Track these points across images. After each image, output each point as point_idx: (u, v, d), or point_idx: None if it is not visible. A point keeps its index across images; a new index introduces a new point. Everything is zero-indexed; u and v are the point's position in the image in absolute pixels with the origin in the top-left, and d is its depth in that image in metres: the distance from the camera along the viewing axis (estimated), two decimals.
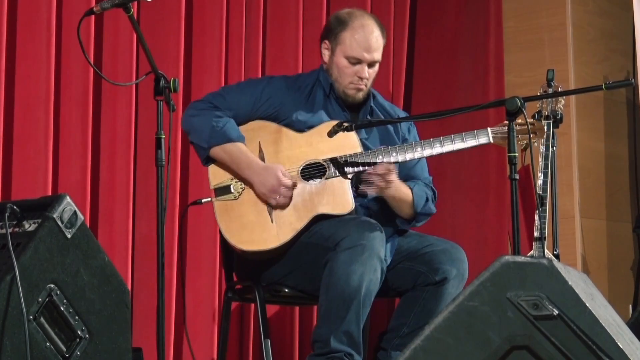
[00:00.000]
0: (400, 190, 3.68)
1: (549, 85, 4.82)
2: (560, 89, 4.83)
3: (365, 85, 3.75)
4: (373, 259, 3.44)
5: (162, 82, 3.17)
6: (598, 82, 4.89)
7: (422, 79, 5.41)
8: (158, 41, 4.32)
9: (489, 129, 3.65)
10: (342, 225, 3.52)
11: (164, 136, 3.18)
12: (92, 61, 4.06)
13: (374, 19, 3.80)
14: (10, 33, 3.96)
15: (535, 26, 5.32)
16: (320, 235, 3.56)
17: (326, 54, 3.79)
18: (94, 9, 3.16)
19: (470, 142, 3.63)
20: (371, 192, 3.62)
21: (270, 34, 4.79)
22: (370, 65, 3.74)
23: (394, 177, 3.61)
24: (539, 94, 4.75)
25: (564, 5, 5.24)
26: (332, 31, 3.78)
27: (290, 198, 3.61)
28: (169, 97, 3.18)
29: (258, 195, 3.64)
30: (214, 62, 4.51)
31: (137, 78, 4.21)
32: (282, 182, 3.60)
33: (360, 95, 3.77)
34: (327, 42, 3.79)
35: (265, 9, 4.76)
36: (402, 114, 3.97)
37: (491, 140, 3.64)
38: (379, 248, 3.46)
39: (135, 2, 3.13)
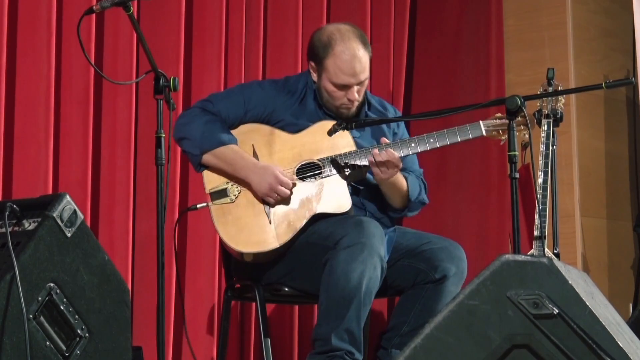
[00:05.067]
0: (399, 180, 3.68)
1: (549, 84, 4.82)
2: (560, 88, 4.83)
3: (358, 101, 3.72)
4: (373, 257, 3.43)
5: (162, 81, 3.17)
6: (598, 80, 4.89)
7: (422, 78, 5.41)
8: (158, 40, 4.32)
9: (481, 122, 3.63)
10: (341, 224, 3.52)
11: (163, 135, 3.18)
12: (92, 60, 4.07)
13: (356, 35, 3.70)
14: (11, 32, 3.96)
15: (535, 25, 5.32)
16: (319, 235, 3.56)
17: (314, 75, 3.75)
18: (94, 7, 3.17)
19: (463, 136, 3.62)
20: (378, 175, 3.60)
21: (270, 34, 4.78)
22: (358, 84, 3.69)
23: (397, 169, 3.61)
24: (539, 92, 4.74)
25: (565, 4, 5.24)
26: (316, 55, 3.71)
27: (289, 197, 3.61)
28: (168, 96, 3.18)
29: (256, 196, 3.64)
30: (214, 61, 4.51)
31: (137, 77, 4.21)
32: (281, 180, 3.59)
33: (353, 110, 3.74)
34: (312, 63, 3.75)
35: (265, 9, 4.76)
36: (391, 108, 3.94)
37: (484, 133, 3.63)
38: (379, 246, 3.46)
39: (135, 1, 3.13)
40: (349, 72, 3.66)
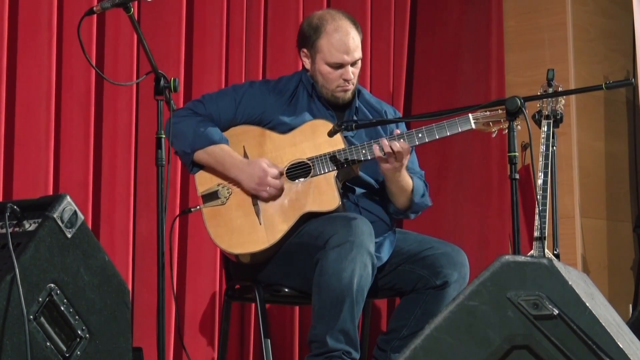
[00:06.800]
0: (406, 177, 3.68)
1: (549, 85, 4.82)
2: (560, 89, 4.83)
3: (353, 84, 3.75)
4: (363, 255, 3.43)
5: (162, 82, 3.17)
6: (598, 81, 4.88)
7: (422, 78, 5.41)
8: (158, 41, 4.32)
9: (470, 115, 3.61)
10: (330, 223, 3.52)
11: (164, 136, 3.18)
12: (92, 61, 4.07)
13: (346, 17, 3.77)
14: (12, 33, 3.96)
15: (535, 26, 5.32)
16: (309, 235, 3.56)
17: (307, 62, 3.78)
18: (95, 8, 3.17)
19: (453, 130, 3.61)
20: (387, 167, 3.59)
21: (270, 34, 4.79)
22: (353, 64, 3.73)
23: (405, 160, 3.61)
24: (539, 93, 4.75)
25: (565, 5, 5.24)
26: (308, 39, 3.75)
27: (282, 189, 3.62)
28: (169, 97, 3.18)
29: (246, 196, 3.64)
30: (214, 61, 4.51)
31: (137, 78, 4.21)
32: (269, 172, 3.60)
33: (349, 94, 3.77)
34: (305, 50, 3.77)
35: (265, 9, 4.76)
36: (390, 110, 3.94)
37: (473, 127, 3.61)
38: (368, 243, 3.46)
39: (136, 2, 3.13)
40: (343, 49, 3.69)
